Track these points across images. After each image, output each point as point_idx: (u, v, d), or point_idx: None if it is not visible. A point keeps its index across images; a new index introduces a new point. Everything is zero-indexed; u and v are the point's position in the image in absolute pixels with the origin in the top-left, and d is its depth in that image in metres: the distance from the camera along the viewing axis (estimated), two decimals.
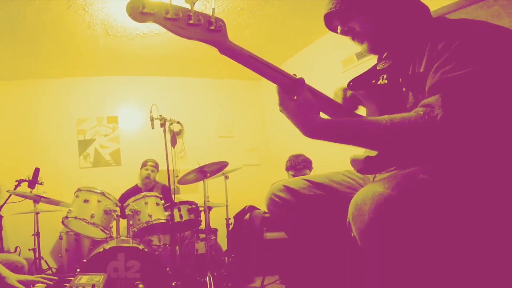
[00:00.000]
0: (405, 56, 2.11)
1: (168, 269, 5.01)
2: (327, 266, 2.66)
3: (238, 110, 10.66)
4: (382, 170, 2.16)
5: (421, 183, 1.61)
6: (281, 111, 1.99)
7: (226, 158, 6.62)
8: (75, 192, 5.79)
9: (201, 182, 6.37)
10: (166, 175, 5.56)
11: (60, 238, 6.91)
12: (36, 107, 9.18)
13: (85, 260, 4.85)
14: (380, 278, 1.75)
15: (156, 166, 7.98)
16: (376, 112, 2.25)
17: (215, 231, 7.54)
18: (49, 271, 7.42)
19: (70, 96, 9.42)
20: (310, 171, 6.72)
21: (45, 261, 7.35)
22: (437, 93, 1.73)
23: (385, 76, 2.26)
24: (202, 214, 6.40)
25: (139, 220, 5.77)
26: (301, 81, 1.95)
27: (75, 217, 5.45)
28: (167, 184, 5.62)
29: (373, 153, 1.99)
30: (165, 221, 5.81)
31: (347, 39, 2.32)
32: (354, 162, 2.07)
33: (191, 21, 1.72)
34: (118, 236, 5.64)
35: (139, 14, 1.64)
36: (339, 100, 2.65)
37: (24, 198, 6.31)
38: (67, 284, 3.00)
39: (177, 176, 6.86)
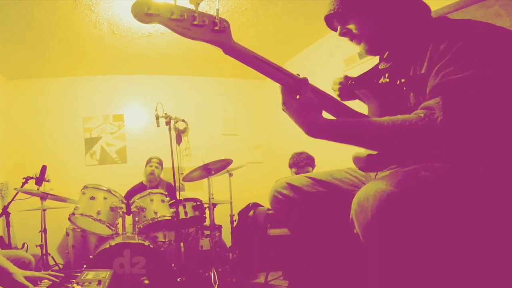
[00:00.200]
0: (406, 57, 2.11)
1: (173, 265, 5.01)
2: (330, 262, 2.67)
3: (242, 109, 10.68)
4: (384, 168, 2.16)
5: (423, 180, 1.61)
6: (284, 110, 1.99)
7: (230, 155, 6.63)
8: (81, 189, 5.81)
9: (206, 179, 6.37)
10: (171, 172, 5.57)
11: (67, 234, 6.92)
12: (43, 105, 9.20)
13: (91, 256, 4.85)
14: (382, 274, 1.76)
15: (160, 163, 8.00)
16: (378, 110, 2.25)
17: (219, 227, 7.55)
18: (56, 267, 7.44)
19: (77, 95, 9.44)
20: (312, 168, 6.72)
21: (52, 257, 7.37)
22: (437, 95, 1.73)
23: (386, 75, 2.26)
24: (207, 211, 6.41)
25: (144, 216, 5.79)
26: (305, 81, 1.95)
27: (82, 214, 5.47)
28: (172, 181, 5.63)
29: (374, 151, 1.99)
30: (170, 217, 5.83)
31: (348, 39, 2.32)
32: (356, 160, 2.07)
33: (195, 22, 1.72)
34: (124, 232, 5.64)
35: (144, 15, 1.64)
36: (337, 86, 2.65)
37: (31, 195, 6.32)
38: (74, 280, 3.00)
39: (182, 173, 6.89)
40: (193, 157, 9.77)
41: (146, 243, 5.01)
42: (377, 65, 2.30)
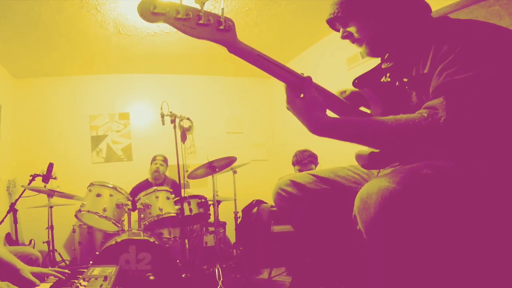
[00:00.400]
0: (408, 56, 2.11)
1: (178, 261, 5.02)
2: (333, 258, 2.67)
3: (246, 107, 10.69)
4: (386, 165, 2.16)
5: (425, 178, 1.61)
6: (288, 109, 1.99)
7: (235, 153, 6.62)
8: (88, 187, 5.83)
9: (210, 176, 6.36)
10: (176, 170, 5.57)
11: (73, 231, 6.94)
12: (50, 103, 9.22)
13: (97, 253, 4.87)
14: (384, 270, 1.75)
15: (165, 160, 7.99)
16: (380, 109, 2.25)
17: (223, 224, 7.55)
18: (63, 263, 7.44)
19: (83, 93, 9.46)
20: (315, 166, 6.73)
21: (59, 253, 7.37)
22: (441, 95, 1.73)
23: (388, 75, 2.26)
24: (211, 208, 6.41)
25: (150, 213, 5.79)
26: (309, 79, 1.95)
27: (88, 211, 5.49)
28: (177, 179, 5.63)
29: (377, 149, 1.99)
30: (175, 214, 5.83)
31: None
32: (359, 157, 2.07)
33: (201, 21, 1.72)
34: (129, 229, 5.64)
35: (150, 14, 1.64)
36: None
37: (38, 193, 6.34)
38: (80, 276, 3.00)
39: (187, 171, 6.90)
40: (198, 155, 9.78)
41: (152, 239, 5.01)
42: (380, 64, 2.30)
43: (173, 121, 5.70)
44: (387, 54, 2.29)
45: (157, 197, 5.92)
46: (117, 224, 5.61)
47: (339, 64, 7.63)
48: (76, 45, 7.67)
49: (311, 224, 2.58)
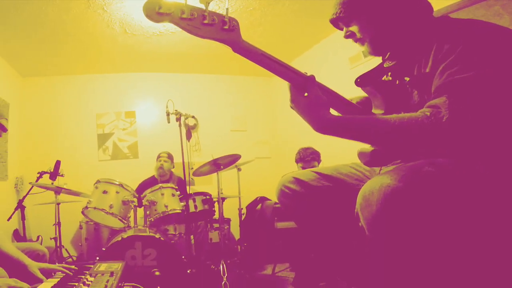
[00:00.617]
0: (409, 56, 2.11)
1: (183, 257, 5.02)
2: (336, 254, 2.67)
3: (250, 105, 10.70)
4: (388, 163, 2.16)
5: (426, 175, 1.61)
6: (292, 107, 1.99)
7: (239, 151, 6.62)
8: (94, 184, 5.83)
9: (215, 174, 6.37)
10: (182, 167, 5.58)
11: (80, 227, 6.94)
12: (57, 102, 9.24)
13: (104, 249, 4.86)
14: (386, 266, 1.76)
15: (169, 157, 7.96)
16: (382, 107, 2.25)
17: (228, 221, 7.54)
18: (70, 259, 7.47)
19: (90, 92, 9.48)
20: (318, 163, 6.73)
21: (66, 249, 7.39)
22: (443, 94, 1.73)
23: (389, 74, 2.26)
24: (216, 204, 6.40)
25: (155, 210, 5.79)
26: (312, 78, 1.95)
27: (95, 208, 5.49)
28: (183, 176, 5.64)
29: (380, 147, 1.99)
30: (180, 211, 5.83)
31: None
32: (361, 155, 2.07)
33: (205, 21, 1.72)
34: (135, 225, 5.65)
35: (155, 14, 1.64)
36: None
37: (45, 189, 6.35)
38: (87, 272, 3.00)
39: (192, 168, 6.90)
40: (203, 153, 9.80)
41: (157, 235, 5.02)
42: (381, 63, 2.30)
43: (178, 119, 5.70)
44: (388, 53, 2.29)
45: (162, 194, 5.92)
46: (123, 220, 5.62)
47: (341, 63, 7.64)
48: (83, 45, 7.68)
49: (314, 220, 2.59)
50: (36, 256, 3.56)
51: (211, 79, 10.43)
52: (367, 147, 2.01)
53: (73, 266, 3.23)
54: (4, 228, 4.13)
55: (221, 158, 6.13)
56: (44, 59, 8.24)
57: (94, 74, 9.49)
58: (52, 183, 6.42)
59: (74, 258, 7.72)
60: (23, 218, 6.90)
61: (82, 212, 5.65)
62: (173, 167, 8.07)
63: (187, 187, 5.92)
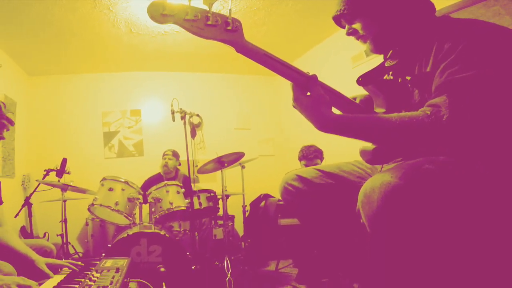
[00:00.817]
0: (410, 55, 2.12)
1: (188, 253, 5.03)
2: (338, 250, 2.68)
3: (254, 104, 10.72)
4: (389, 160, 2.16)
5: (426, 172, 1.61)
6: (294, 106, 1.99)
7: (243, 149, 6.62)
8: (100, 181, 5.85)
9: (219, 171, 6.37)
10: (186, 165, 5.58)
11: (86, 224, 6.97)
12: (64, 101, 9.27)
13: (109, 245, 4.88)
14: (387, 262, 1.76)
15: (174, 154, 7.93)
16: (384, 105, 2.26)
17: (232, 217, 7.55)
18: (76, 256, 7.48)
19: (96, 91, 9.51)
20: (321, 161, 6.74)
21: (72, 246, 7.40)
22: (443, 93, 1.73)
23: (390, 73, 2.27)
24: (220, 201, 6.40)
25: (160, 207, 5.80)
26: (314, 77, 1.95)
27: (101, 205, 5.51)
28: (188, 174, 5.65)
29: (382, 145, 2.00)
30: (185, 208, 5.83)
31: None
32: (363, 153, 2.07)
33: (209, 22, 1.72)
34: (141, 222, 5.66)
35: (160, 15, 1.65)
36: None
37: (52, 187, 6.36)
38: (93, 268, 3.01)
39: (197, 166, 6.91)
40: (207, 150, 9.81)
41: (162, 232, 5.03)
42: (383, 63, 2.30)
43: (183, 118, 5.70)
44: (390, 52, 2.30)
45: (167, 191, 5.93)
46: (128, 217, 5.63)
47: (343, 62, 7.64)
48: (89, 44, 7.70)
49: (316, 217, 2.60)
50: (43, 252, 3.57)
51: (216, 78, 10.45)
52: (368, 145, 2.02)
53: (79, 262, 3.25)
54: (11, 225, 4.16)
55: (225, 156, 6.14)
56: (50, 58, 8.26)
57: (100, 73, 9.52)
58: (59, 181, 6.44)
59: (81, 255, 7.75)
60: (30, 215, 6.92)
61: (88, 209, 5.67)
62: (179, 164, 8.05)
63: (192, 185, 5.94)
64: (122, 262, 3.16)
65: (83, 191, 6.39)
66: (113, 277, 2.59)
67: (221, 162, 6.17)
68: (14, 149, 7.83)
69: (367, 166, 2.58)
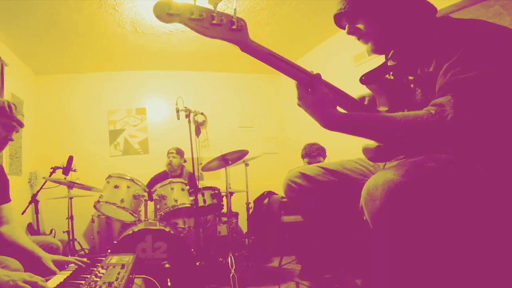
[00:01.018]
0: (412, 55, 2.11)
1: (192, 250, 5.03)
2: (341, 247, 2.68)
3: (258, 103, 10.73)
4: (392, 158, 2.17)
5: (428, 170, 1.61)
6: (299, 105, 1.99)
7: (247, 146, 6.60)
8: (106, 179, 5.86)
9: (223, 169, 6.35)
10: (191, 162, 5.59)
11: (92, 221, 7.00)
12: (70, 99, 9.29)
13: (115, 242, 4.88)
14: (390, 259, 1.76)
15: (178, 152, 7.90)
16: (386, 104, 2.26)
17: (236, 214, 7.55)
18: (82, 252, 7.50)
19: (102, 89, 9.54)
20: (324, 158, 6.74)
21: (78, 242, 7.42)
22: (447, 93, 1.73)
23: (393, 72, 2.27)
24: (224, 199, 6.40)
25: (165, 204, 5.81)
26: (318, 76, 1.95)
27: (106, 202, 5.52)
28: (192, 171, 5.65)
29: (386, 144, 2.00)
30: (189, 205, 5.83)
31: None
32: (366, 150, 2.08)
33: (214, 21, 1.73)
34: (146, 219, 5.65)
35: (165, 15, 1.65)
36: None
37: (58, 184, 6.36)
38: (99, 264, 3.02)
39: (201, 163, 6.89)
40: (212, 148, 9.83)
41: (167, 229, 5.03)
42: (385, 62, 2.30)
43: (187, 116, 5.70)
44: (392, 52, 2.29)
45: (172, 189, 5.94)
46: (134, 214, 5.63)
47: (346, 61, 7.66)
48: (95, 43, 7.72)
49: (319, 214, 2.60)
50: (50, 249, 3.57)
51: (220, 77, 10.46)
52: (371, 143, 2.02)
53: (85, 259, 3.24)
54: (18, 221, 4.16)
55: (229, 153, 6.14)
56: (57, 58, 8.28)
57: (105, 72, 9.54)
58: (65, 178, 6.44)
59: (87, 251, 7.77)
60: (36, 212, 6.93)
61: (94, 206, 5.67)
62: (185, 161, 8.04)
63: (196, 182, 5.94)
64: (128, 259, 3.16)
65: (89, 188, 6.40)
66: (118, 273, 2.59)
67: (225, 160, 6.17)
68: (21, 147, 7.86)
69: (370, 164, 2.58)
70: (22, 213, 6.57)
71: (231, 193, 6.42)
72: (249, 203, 7.21)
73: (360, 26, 2.21)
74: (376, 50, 2.28)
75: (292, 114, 10.02)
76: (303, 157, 6.86)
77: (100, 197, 5.58)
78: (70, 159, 6.63)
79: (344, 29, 2.31)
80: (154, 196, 5.86)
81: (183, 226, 6.21)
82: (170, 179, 6.11)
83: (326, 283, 5.23)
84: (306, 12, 7.00)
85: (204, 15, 1.70)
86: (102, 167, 8.59)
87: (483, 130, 1.68)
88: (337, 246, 2.73)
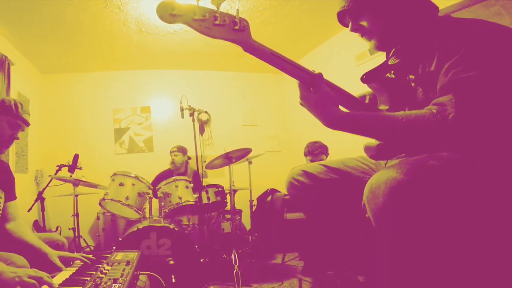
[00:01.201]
0: (413, 53, 2.11)
1: (196, 246, 5.03)
2: (343, 244, 2.69)
3: (261, 101, 10.75)
4: (393, 156, 2.17)
5: (430, 168, 1.61)
6: (302, 104, 1.99)
7: (250, 145, 6.61)
8: (111, 176, 5.87)
9: (227, 167, 6.38)
10: (195, 160, 5.59)
11: (98, 218, 6.98)
12: (75, 98, 9.32)
13: (120, 239, 4.88)
14: (392, 256, 1.76)
15: (180, 150, 7.88)
16: (387, 103, 2.25)
17: (239, 212, 7.55)
18: (88, 249, 7.52)
19: (107, 88, 9.57)
20: (326, 156, 6.75)
21: (84, 239, 7.45)
22: (449, 92, 1.73)
23: (392, 72, 2.26)
24: (228, 196, 6.40)
25: (170, 201, 5.81)
26: (319, 76, 1.95)
27: (112, 199, 5.54)
28: (196, 169, 5.66)
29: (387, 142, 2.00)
30: (194, 202, 5.83)
31: (360, 36, 2.32)
32: (367, 149, 2.08)
33: (217, 22, 1.72)
34: (150, 216, 5.68)
35: (168, 15, 1.65)
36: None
37: (64, 182, 6.39)
38: (104, 261, 3.02)
39: (205, 161, 6.91)
40: (215, 146, 9.83)
41: (172, 226, 5.03)
42: (386, 61, 2.30)
43: (192, 115, 5.71)
44: (393, 50, 2.29)
45: (176, 186, 5.94)
46: (138, 211, 5.65)
47: (348, 61, 7.67)
48: (100, 43, 7.74)
49: (322, 211, 2.61)
50: (55, 245, 3.57)
51: (223, 76, 10.48)
52: (373, 141, 2.02)
53: (91, 256, 3.25)
54: (24, 219, 4.16)
55: (233, 151, 6.14)
56: (63, 57, 8.31)
57: (111, 71, 9.57)
58: (71, 176, 6.46)
59: (92, 248, 7.77)
60: (42, 209, 6.93)
61: (100, 204, 5.69)
62: (189, 158, 8.04)
63: (201, 180, 5.95)
64: (133, 255, 3.16)
65: (94, 186, 6.42)
66: (123, 270, 2.60)
67: (229, 158, 6.17)
68: (27, 145, 7.88)
69: (371, 162, 2.59)
70: (28, 211, 6.59)
71: (235, 191, 6.42)
72: (253, 200, 7.20)
73: (364, 23, 2.22)
74: (380, 47, 2.28)
75: (295, 112, 10.01)
76: (305, 155, 6.87)
77: (105, 194, 5.60)
78: (76, 157, 6.64)
79: (348, 26, 2.31)
80: (159, 194, 5.87)
81: (187, 223, 6.22)
82: (175, 177, 6.11)
83: (329, 279, 5.23)
84: (309, 12, 7.01)
85: (207, 15, 1.70)
86: (107, 165, 8.56)
87: (484, 129, 1.67)
88: (339, 243, 2.73)
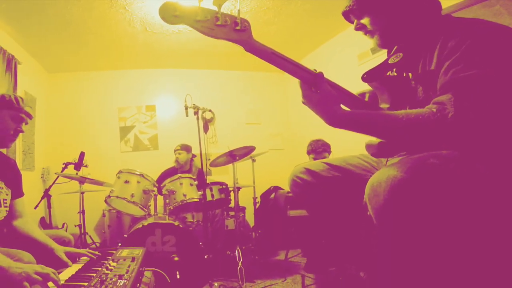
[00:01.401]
0: (414, 52, 2.12)
1: (201, 243, 5.03)
2: (345, 241, 2.69)
3: (264, 100, 10.76)
4: (394, 154, 2.17)
5: (431, 167, 1.61)
6: (304, 103, 1.99)
7: (253, 143, 6.61)
8: (116, 174, 5.87)
9: (231, 164, 6.38)
10: (199, 158, 5.60)
11: (103, 215, 7.00)
12: (81, 97, 9.35)
13: (125, 235, 4.88)
14: (393, 253, 1.77)
15: (183, 148, 7.86)
16: (388, 102, 2.26)
17: (243, 209, 7.56)
18: (93, 245, 7.54)
19: (112, 87, 9.59)
20: (329, 154, 6.74)
21: (90, 236, 7.48)
22: (448, 91, 1.73)
23: (394, 70, 2.27)
24: (232, 193, 6.41)
25: (174, 199, 5.82)
26: (320, 75, 1.95)
27: (117, 197, 5.53)
28: (200, 167, 5.67)
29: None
30: (198, 200, 5.84)
31: (362, 36, 2.32)
32: (369, 146, 2.08)
33: (218, 22, 1.73)
34: (155, 213, 5.68)
35: (171, 17, 1.66)
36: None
37: (70, 179, 6.39)
38: (110, 257, 3.03)
39: (209, 159, 6.95)
40: (219, 144, 9.84)
41: (176, 223, 5.03)
42: (387, 60, 2.30)
43: (196, 113, 5.71)
44: (394, 48, 2.30)
45: (181, 184, 5.94)
46: (144, 209, 5.65)
47: (350, 60, 7.66)
48: (106, 42, 7.75)
49: (324, 209, 2.62)
50: (62, 242, 3.58)
51: (227, 75, 10.50)
52: (374, 139, 2.02)
53: (96, 252, 3.26)
54: (31, 216, 4.17)
55: (237, 149, 6.14)
56: (69, 56, 8.32)
57: (116, 70, 9.59)
58: (77, 173, 6.49)
59: (98, 244, 7.79)
60: (49, 206, 6.95)
61: (105, 201, 5.70)
62: (194, 156, 8.03)
63: (205, 177, 5.96)
64: (138, 252, 3.17)
65: (100, 183, 6.43)
66: (129, 266, 2.60)
67: (233, 156, 6.18)
68: (34, 143, 7.90)
69: (373, 160, 2.59)
70: (35, 208, 6.60)
71: (239, 188, 6.43)
72: (256, 197, 7.21)
73: (366, 22, 2.22)
74: (383, 44, 2.29)
75: (298, 111, 10.04)
76: (308, 153, 6.86)
77: (111, 192, 5.60)
78: (82, 155, 6.66)
79: (353, 23, 2.32)
80: (164, 191, 5.88)
81: (192, 220, 6.22)
82: (179, 174, 6.12)
83: (331, 275, 5.23)
84: (311, 12, 7.01)
85: (209, 16, 1.71)
86: (113, 163, 8.64)
87: (483, 128, 1.67)
88: (341, 240, 2.74)
